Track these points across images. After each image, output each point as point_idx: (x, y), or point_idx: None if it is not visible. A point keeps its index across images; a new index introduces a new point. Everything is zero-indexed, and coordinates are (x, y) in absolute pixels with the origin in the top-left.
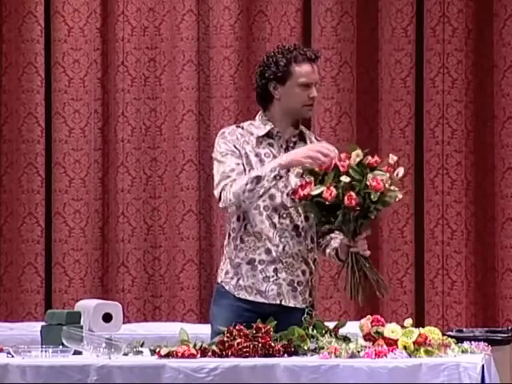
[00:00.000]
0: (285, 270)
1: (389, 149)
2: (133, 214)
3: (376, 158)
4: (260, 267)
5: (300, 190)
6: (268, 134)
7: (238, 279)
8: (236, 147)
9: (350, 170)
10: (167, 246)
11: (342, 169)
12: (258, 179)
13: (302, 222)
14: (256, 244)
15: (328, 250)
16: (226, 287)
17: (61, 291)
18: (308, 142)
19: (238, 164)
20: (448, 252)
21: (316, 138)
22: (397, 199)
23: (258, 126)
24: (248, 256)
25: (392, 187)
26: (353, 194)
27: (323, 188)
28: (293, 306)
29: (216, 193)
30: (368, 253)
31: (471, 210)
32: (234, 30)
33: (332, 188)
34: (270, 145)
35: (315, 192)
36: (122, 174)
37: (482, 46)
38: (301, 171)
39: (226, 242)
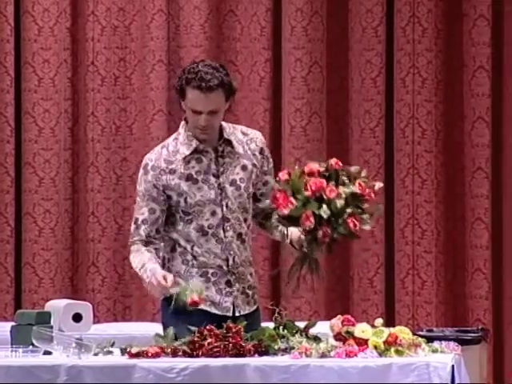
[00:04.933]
0: (237, 281)
1: (359, 149)
2: (103, 213)
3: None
4: (213, 279)
5: (281, 205)
6: (195, 151)
7: None
8: (156, 187)
9: (332, 205)
10: None
11: (327, 195)
12: (136, 273)
13: (243, 227)
14: (207, 262)
15: (277, 233)
16: None
17: (31, 291)
18: (235, 143)
19: (153, 212)
20: (418, 252)
21: (242, 131)
22: (364, 227)
23: (183, 141)
24: (200, 271)
25: (364, 216)
26: (329, 230)
27: (304, 212)
28: (247, 312)
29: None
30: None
31: (441, 210)
32: (204, 29)
33: (311, 219)
34: (199, 161)
35: (296, 214)
36: (92, 174)
37: (451, 46)
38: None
39: (168, 256)
